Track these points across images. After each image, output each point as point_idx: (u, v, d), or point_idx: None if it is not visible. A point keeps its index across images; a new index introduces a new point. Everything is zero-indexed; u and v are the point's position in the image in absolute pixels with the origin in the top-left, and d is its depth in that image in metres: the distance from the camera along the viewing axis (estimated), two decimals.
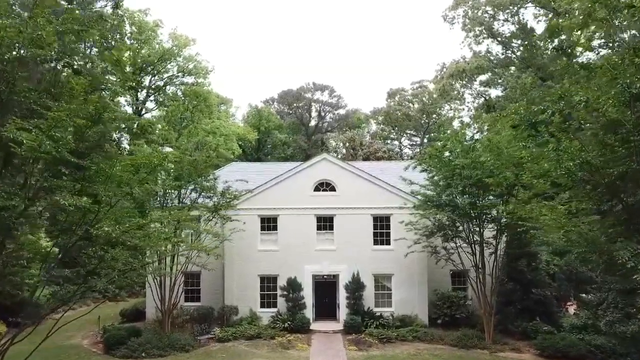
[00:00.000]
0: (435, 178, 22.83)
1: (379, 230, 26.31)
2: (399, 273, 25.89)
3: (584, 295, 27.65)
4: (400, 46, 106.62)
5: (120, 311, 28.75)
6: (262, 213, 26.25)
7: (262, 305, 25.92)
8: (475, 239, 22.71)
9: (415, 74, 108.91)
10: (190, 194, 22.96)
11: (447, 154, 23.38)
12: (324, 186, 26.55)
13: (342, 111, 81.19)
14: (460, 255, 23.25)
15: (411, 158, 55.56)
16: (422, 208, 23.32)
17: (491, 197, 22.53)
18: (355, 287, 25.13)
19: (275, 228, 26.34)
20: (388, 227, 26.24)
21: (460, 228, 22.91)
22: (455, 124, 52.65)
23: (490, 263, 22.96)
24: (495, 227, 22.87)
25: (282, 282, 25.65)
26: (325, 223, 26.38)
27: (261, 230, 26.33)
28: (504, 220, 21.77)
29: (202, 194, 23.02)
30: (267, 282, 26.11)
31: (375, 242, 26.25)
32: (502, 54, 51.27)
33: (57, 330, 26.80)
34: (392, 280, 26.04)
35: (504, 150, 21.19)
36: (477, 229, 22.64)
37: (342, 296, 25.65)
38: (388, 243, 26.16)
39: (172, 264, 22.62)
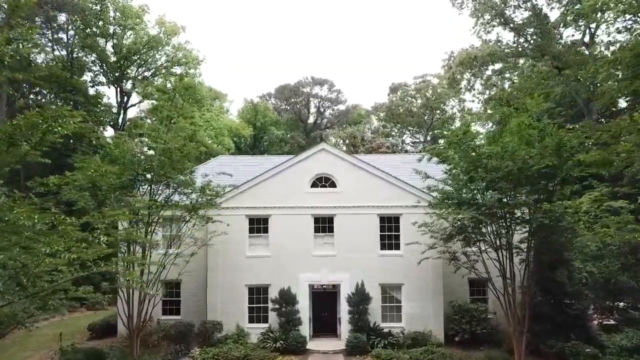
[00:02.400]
0: (455, 171, 19.15)
1: (386, 233, 22.64)
2: (410, 283, 22.23)
3: (622, 305, 24.06)
4: (402, 39, 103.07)
5: (88, 325, 25.03)
6: (251, 213, 22.57)
7: (251, 320, 22.26)
8: (502, 243, 19.03)
9: (418, 69, 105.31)
10: (164, 190, 19.22)
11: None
12: (323, 181, 22.90)
13: (342, 107, 77.84)
14: (484, 262, 19.57)
15: (421, 151, 52.00)
16: (439, 207, 19.70)
17: (520, 195, 18.94)
18: (359, 299, 21.48)
19: (266, 230, 22.66)
20: (397, 229, 22.57)
21: (484, 230, 19.25)
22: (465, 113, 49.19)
23: (520, 271, 19.40)
24: (527, 229, 19.26)
25: (274, 293, 21.99)
26: (324, 224, 22.72)
27: (250, 232, 22.64)
28: (539, 220, 18.08)
29: (178, 190, 19.30)
30: (257, 293, 22.45)
31: (383, 247, 22.58)
32: (514, 43, 47.78)
33: (16, 349, 23.44)
34: (402, 291, 22.37)
35: (535, 136, 17.67)
36: (505, 231, 18.97)
37: (343, 310, 22.00)
38: (397, 247, 22.50)
39: (141, 273, 18.94)
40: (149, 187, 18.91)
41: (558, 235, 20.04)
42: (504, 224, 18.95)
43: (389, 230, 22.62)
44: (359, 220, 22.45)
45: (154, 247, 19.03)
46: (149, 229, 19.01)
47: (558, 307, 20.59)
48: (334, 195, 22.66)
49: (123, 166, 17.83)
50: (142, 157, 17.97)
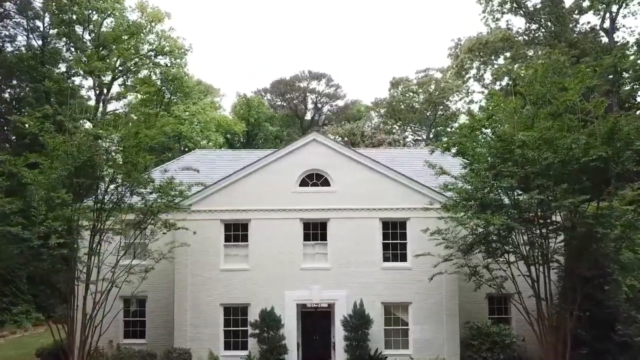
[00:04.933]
0: (477, 165, 15.31)
1: (391, 241, 18.83)
2: (419, 301, 18.45)
3: None
4: (403, 31, 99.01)
5: (36, 350, 21.16)
6: (227, 217, 18.74)
7: (227, 347, 18.46)
8: (536, 256, 15.25)
9: (420, 62, 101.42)
10: (115, 190, 15.39)
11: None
12: (314, 179, 19.10)
13: (340, 102, 74.30)
14: (514, 279, 15.80)
15: (428, 144, 48.39)
16: (455, 210, 15.93)
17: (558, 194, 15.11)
18: (358, 322, 17.66)
19: (245, 238, 18.83)
20: (404, 236, 18.77)
21: (514, 239, 15.46)
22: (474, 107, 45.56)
23: (559, 289, 15.71)
24: (563, 238, 15.57)
25: (254, 313, 18.18)
26: (315, 231, 18.92)
27: (225, 241, 18.81)
28: (586, 226, 14.29)
29: (132, 190, 15.47)
30: (234, 314, 18.64)
31: (386, 258, 18.78)
32: (526, 30, 44.12)
33: None
34: (410, 312, 18.56)
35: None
36: (540, 240, 15.19)
37: (338, 334, 18.19)
38: (404, 259, 18.71)
39: (85, 292, 15.19)
40: (95, 188, 15.11)
41: (601, 245, 16.27)
42: (538, 232, 15.18)
43: (394, 238, 18.82)
44: (357, 226, 18.66)
45: (96, 264, 15.19)
46: (95, 238, 15.23)
47: (600, 331, 16.92)
48: (328, 195, 18.86)
49: (56, 160, 14.02)
50: (83, 147, 14.06)
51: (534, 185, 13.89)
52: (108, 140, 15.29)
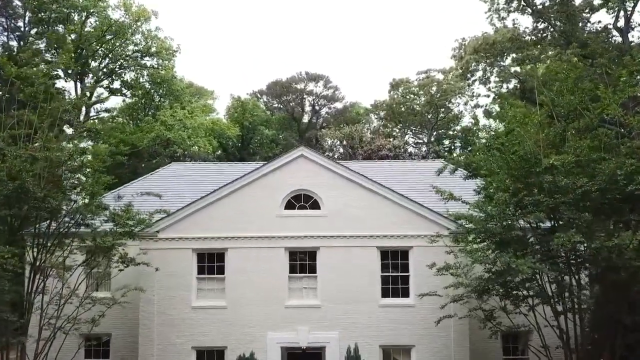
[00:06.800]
0: (498, 195, 12.69)
1: (390, 274, 16.27)
2: (423, 344, 15.86)
3: None
4: (403, 31, 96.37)
5: None
6: (200, 246, 16.14)
7: None
8: (567, 303, 12.69)
9: (421, 63, 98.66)
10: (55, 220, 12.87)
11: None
12: (302, 200, 16.53)
13: (339, 105, 71.83)
14: (539, 326, 13.26)
15: (428, 153, 46.05)
16: (467, 241, 13.41)
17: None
18: None
19: (221, 270, 16.25)
20: (406, 267, 16.21)
21: (539, 281, 12.90)
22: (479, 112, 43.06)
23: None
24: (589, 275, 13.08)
25: (232, 359, 15.65)
26: (302, 262, 16.36)
27: (198, 273, 16.23)
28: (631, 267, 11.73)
29: (78, 220, 12.93)
30: (209, 359, 16.11)
31: (385, 293, 16.19)
32: (534, 29, 41.71)
33: None
34: (413, 357, 15.95)
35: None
36: (570, 280, 12.64)
37: None
38: (406, 294, 16.13)
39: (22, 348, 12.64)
40: (33, 220, 12.54)
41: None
42: (566, 270, 12.62)
43: (394, 270, 16.26)
44: (352, 256, 16.09)
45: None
46: (36, 277, 12.71)
47: None
48: (317, 220, 16.30)
49: None
50: (13, 172, 11.51)
51: (565, 217, 11.31)
52: (54, 161, 12.72)
